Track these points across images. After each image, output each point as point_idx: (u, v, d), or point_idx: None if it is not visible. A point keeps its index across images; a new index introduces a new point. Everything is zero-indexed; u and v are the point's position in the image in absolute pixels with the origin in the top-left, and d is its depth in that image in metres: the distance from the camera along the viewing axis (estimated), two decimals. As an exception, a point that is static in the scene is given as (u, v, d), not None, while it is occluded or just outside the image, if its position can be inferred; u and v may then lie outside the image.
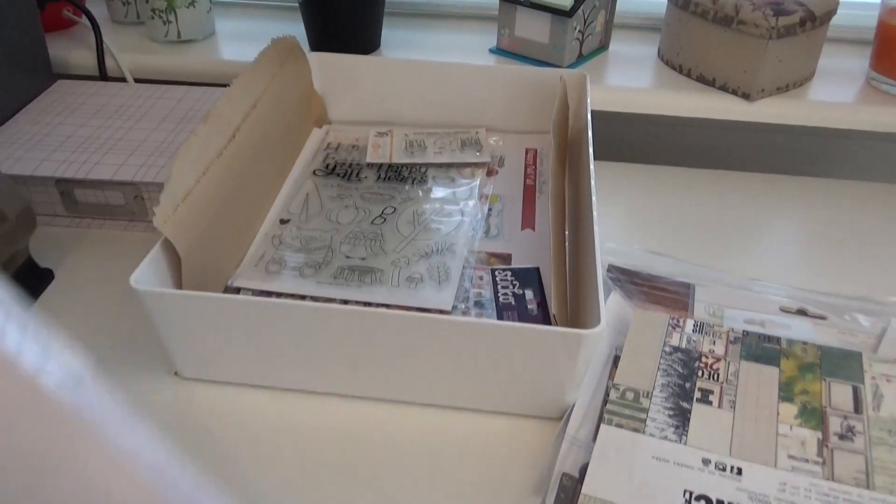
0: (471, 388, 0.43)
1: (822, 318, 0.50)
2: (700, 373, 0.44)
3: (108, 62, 0.75)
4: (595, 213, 0.47)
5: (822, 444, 0.40)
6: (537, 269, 0.53)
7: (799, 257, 0.58)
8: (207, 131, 0.50)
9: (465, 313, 0.49)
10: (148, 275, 0.42)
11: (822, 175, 0.69)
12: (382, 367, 0.43)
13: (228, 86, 0.54)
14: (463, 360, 0.41)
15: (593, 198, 0.48)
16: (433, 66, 0.67)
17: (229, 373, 0.45)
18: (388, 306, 0.50)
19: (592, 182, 0.50)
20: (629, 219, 0.63)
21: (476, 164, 0.65)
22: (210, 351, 0.44)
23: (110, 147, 0.60)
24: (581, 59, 0.75)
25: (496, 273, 0.53)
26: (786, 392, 0.43)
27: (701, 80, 0.71)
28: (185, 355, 0.44)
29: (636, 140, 0.82)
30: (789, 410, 0.42)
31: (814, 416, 0.41)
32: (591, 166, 0.52)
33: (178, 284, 0.45)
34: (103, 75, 0.75)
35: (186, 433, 0.43)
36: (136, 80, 0.75)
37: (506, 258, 0.55)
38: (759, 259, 0.58)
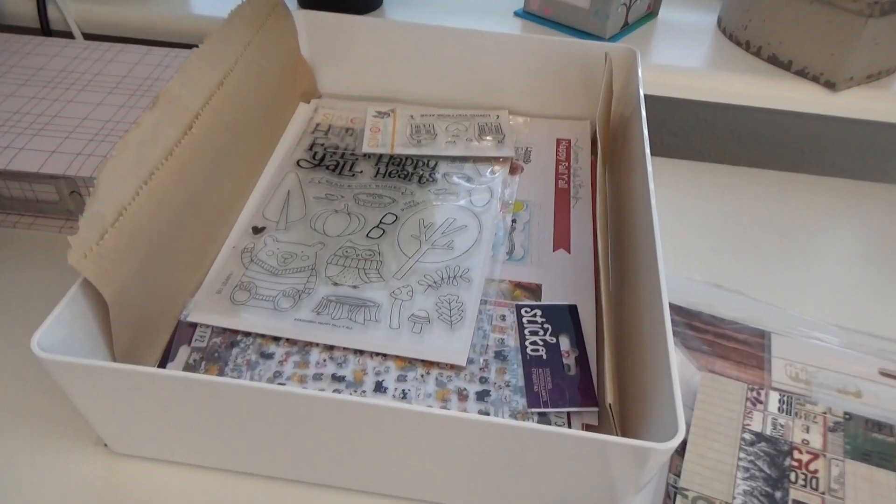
0: (503, 494, 0.32)
1: (934, 386, 0.40)
2: (793, 476, 0.34)
3: (52, 12, 0.62)
4: (660, 247, 0.36)
5: None
6: (574, 308, 0.42)
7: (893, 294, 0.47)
8: (155, 121, 0.37)
9: (483, 370, 0.39)
10: (58, 331, 0.31)
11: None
12: (362, 461, 0.32)
13: (196, 46, 0.41)
14: (491, 464, 0.30)
15: (655, 223, 0.37)
16: (445, 32, 0.55)
17: (166, 451, 0.34)
18: (384, 356, 0.39)
19: (652, 202, 0.38)
20: (679, 234, 0.51)
21: (496, 160, 0.53)
22: (139, 427, 0.33)
23: (43, 125, 0.47)
24: (626, 28, 0.62)
25: (522, 312, 0.42)
26: (909, 511, 0.32)
27: (773, 61, 0.58)
28: (111, 430, 0.34)
29: (681, 128, 0.70)
30: (917, 541, 0.31)
31: (950, 550, 0.31)
32: (649, 169, 0.40)
33: (108, 331, 0.34)
34: (45, 29, 0.62)
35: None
36: (85, 36, 0.62)
37: (535, 290, 0.43)
38: (849, 294, 0.46)
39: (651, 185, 0.39)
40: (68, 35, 0.62)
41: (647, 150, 0.43)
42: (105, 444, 0.36)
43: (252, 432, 0.32)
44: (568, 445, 0.28)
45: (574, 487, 0.31)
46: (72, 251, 0.30)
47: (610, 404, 0.32)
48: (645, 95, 0.61)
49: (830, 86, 0.55)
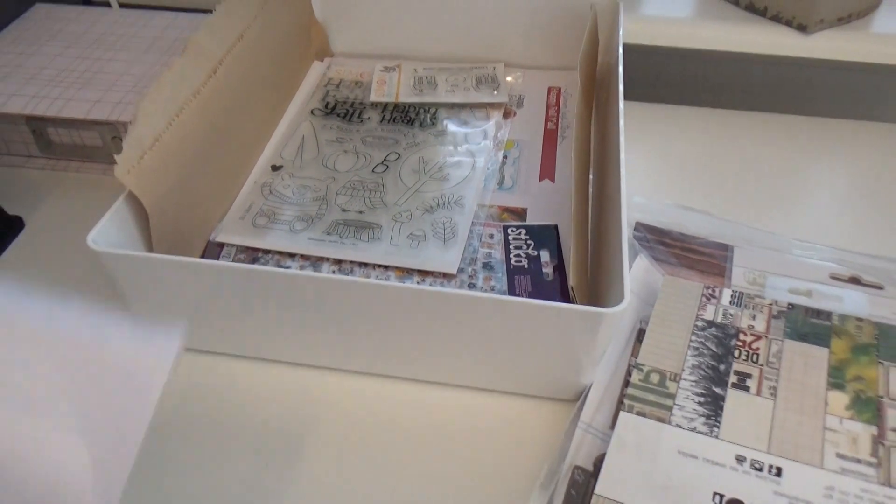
0: (477, 367, 0.38)
1: (879, 287, 0.44)
2: (737, 353, 0.39)
3: (92, -15, 0.69)
4: (623, 165, 0.41)
5: (877, 441, 0.34)
6: (555, 227, 0.47)
7: (854, 214, 0.51)
8: (183, 65, 0.44)
9: (471, 277, 0.44)
10: (109, 232, 0.37)
11: (884, 120, 0.61)
12: (378, 341, 0.38)
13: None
14: (468, 337, 0.36)
15: (621, 145, 0.42)
16: None
17: (206, 341, 0.41)
18: (385, 267, 0.45)
19: (621, 125, 0.44)
20: (661, 168, 0.56)
21: (492, 105, 0.58)
22: (181, 318, 0.39)
23: (87, 80, 0.54)
24: (614, -16, 0.67)
25: (509, 231, 0.47)
26: (836, 378, 0.37)
27: (750, 8, 0.62)
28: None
29: (673, 77, 0.74)
30: (840, 400, 0.36)
31: (868, 407, 0.36)
32: (621, 107, 0.45)
33: (149, 240, 0.40)
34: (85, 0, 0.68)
35: (192, 409, 0.39)
36: (122, 6, 0.69)
37: (520, 213, 0.49)
38: (807, 216, 0.51)
39: (621, 122, 0.44)
40: (106, 4, 0.69)
41: (621, 91, 0.47)
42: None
43: (283, 320, 0.38)
44: (531, 313, 0.34)
45: (541, 358, 0.36)
46: (118, 167, 0.37)
47: (572, 286, 0.37)
48: (635, 46, 0.66)
49: (802, 28, 0.59)
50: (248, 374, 0.40)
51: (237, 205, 0.49)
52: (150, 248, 0.40)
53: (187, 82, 0.43)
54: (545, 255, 0.45)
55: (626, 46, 0.63)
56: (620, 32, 0.54)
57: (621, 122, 0.44)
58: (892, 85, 0.70)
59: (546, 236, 0.47)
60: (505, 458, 0.36)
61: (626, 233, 0.37)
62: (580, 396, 0.38)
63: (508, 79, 0.61)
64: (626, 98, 0.63)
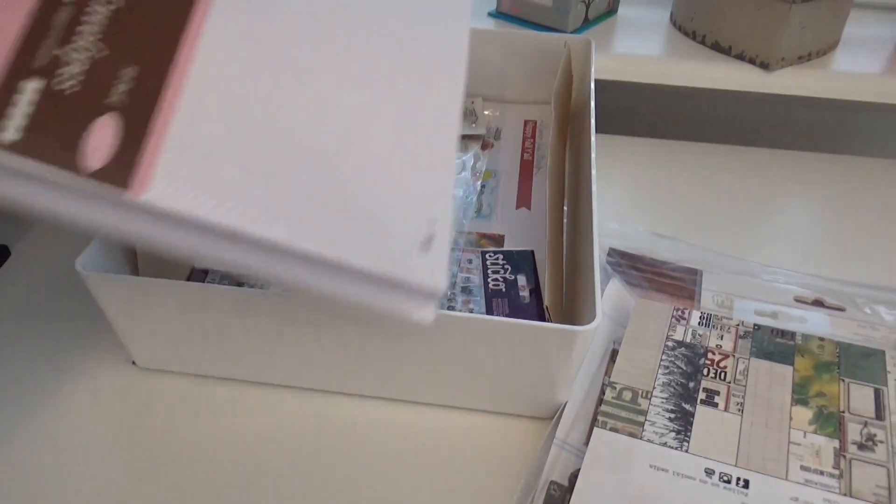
0: (454, 385, 0.39)
1: (841, 309, 0.46)
2: (706, 371, 0.40)
3: None
4: (594, 192, 0.43)
5: (839, 454, 0.36)
6: (531, 253, 0.49)
7: (817, 241, 0.53)
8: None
9: (451, 300, 0.45)
10: (97, 256, 0.38)
11: (846, 152, 0.64)
12: (355, 360, 0.39)
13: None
14: (445, 356, 0.37)
15: (593, 174, 0.44)
16: None
17: (191, 364, 0.42)
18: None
19: (593, 156, 0.46)
20: (634, 197, 0.58)
21: (470, 137, 0.60)
22: (168, 341, 0.40)
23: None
24: (587, 23, 0.70)
25: (486, 256, 0.49)
26: (800, 394, 0.39)
27: (716, 47, 0.65)
28: (140, 344, 0.41)
29: (646, 112, 0.77)
30: (804, 415, 0.38)
31: (830, 421, 0.37)
32: (593, 139, 0.48)
33: (136, 265, 0.41)
34: None
35: (143, 428, 0.39)
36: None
37: (498, 240, 0.50)
38: (773, 243, 0.53)
39: (593, 154, 0.46)
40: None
41: (593, 123, 0.50)
42: (133, 362, 0.43)
43: (269, 341, 0.39)
44: (507, 331, 0.35)
45: (517, 376, 0.37)
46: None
47: (547, 306, 0.39)
48: (609, 82, 0.68)
49: (765, 66, 0.62)
50: (225, 396, 0.41)
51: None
52: (137, 274, 0.42)
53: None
54: (522, 279, 0.47)
55: (598, 82, 0.66)
56: (593, 69, 0.56)
57: (593, 154, 0.46)
58: (852, 119, 0.74)
59: (523, 261, 0.48)
60: (481, 475, 0.37)
61: (599, 257, 0.38)
62: (556, 414, 0.39)
63: (486, 112, 0.64)
64: (600, 131, 0.65)
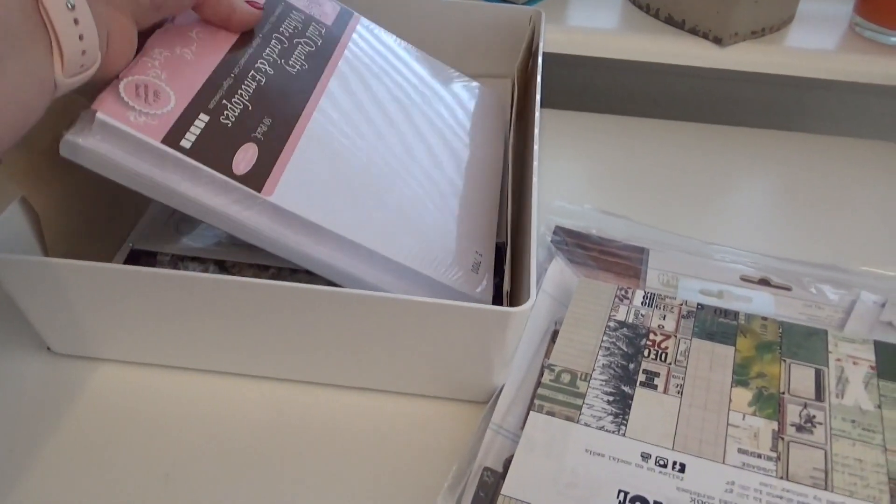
0: (390, 370, 0.38)
1: (787, 288, 0.45)
2: (646, 352, 0.39)
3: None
4: (536, 168, 0.41)
5: (778, 436, 0.35)
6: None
7: (766, 219, 0.53)
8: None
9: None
10: (2, 235, 0.35)
11: (800, 130, 0.63)
12: (285, 345, 0.37)
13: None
14: (376, 339, 0.36)
15: (535, 149, 0.42)
16: (388, 3, 0.60)
17: (106, 349, 0.39)
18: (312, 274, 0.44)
19: (536, 131, 0.44)
20: (584, 174, 0.57)
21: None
22: (80, 325, 0.37)
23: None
24: (540, -5, 0.68)
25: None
26: (740, 375, 0.38)
27: (670, 21, 0.64)
28: (54, 329, 0.38)
29: (599, 88, 0.75)
30: (743, 397, 0.37)
31: (770, 403, 0.36)
32: (537, 114, 0.46)
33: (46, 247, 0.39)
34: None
35: (59, 416, 0.37)
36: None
37: (441, 217, 0.49)
38: (722, 221, 0.52)
39: (537, 129, 0.44)
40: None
41: (539, 99, 0.48)
42: (48, 348, 0.40)
43: (187, 324, 0.36)
44: (438, 313, 0.33)
45: (451, 359, 0.36)
46: (3, 168, 0.35)
47: (507, 292, 0.37)
48: (561, 56, 0.67)
49: (718, 41, 0.61)
50: (144, 382, 0.39)
51: (159, 209, 0.47)
52: (47, 254, 0.39)
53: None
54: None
55: (550, 56, 0.64)
56: (542, 42, 0.54)
57: (536, 129, 0.44)
58: (805, 96, 0.73)
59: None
60: (414, 459, 0.36)
61: (536, 233, 0.37)
62: (492, 398, 0.38)
63: (435, 86, 0.62)
64: (552, 106, 0.64)
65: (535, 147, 0.43)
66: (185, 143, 0.33)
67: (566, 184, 0.55)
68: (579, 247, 0.48)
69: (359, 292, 0.33)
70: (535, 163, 0.42)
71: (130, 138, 0.32)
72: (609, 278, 0.46)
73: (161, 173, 0.33)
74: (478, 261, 0.39)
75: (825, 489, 0.32)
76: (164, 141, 0.32)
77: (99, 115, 0.31)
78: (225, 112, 0.35)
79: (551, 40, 0.65)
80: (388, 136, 0.42)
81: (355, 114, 0.41)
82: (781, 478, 0.33)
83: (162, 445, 0.36)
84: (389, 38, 0.50)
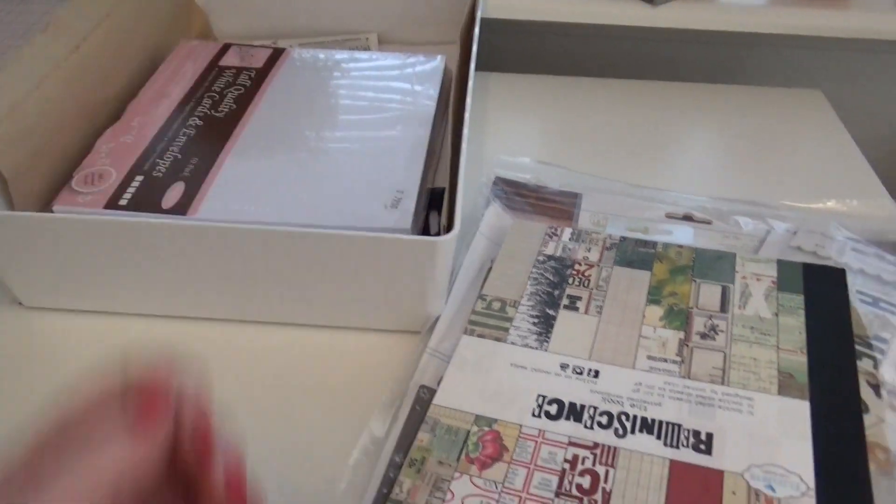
0: (328, 305, 0.41)
1: (708, 222, 0.49)
2: (571, 280, 0.43)
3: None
4: (467, 122, 0.45)
5: (683, 343, 0.39)
6: (443, 190, 0.51)
7: (697, 166, 0.56)
8: (45, 40, 0.45)
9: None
10: (-33, 194, 0.39)
11: (731, 83, 0.66)
12: (221, 285, 0.41)
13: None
14: (313, 275, 0.39)
15: (468, 102, 0.46)
16: None
17: (72, 300, 0.42)
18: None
19: (471, 84, 0.48)
20: (528, 131, 0.60)
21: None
22: (48, 278, 0.41)
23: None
24: (483, -35, 0.71)
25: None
26: (654, 295, 0.42)
27: (605, -16, 0.67)
28: (23, 283, 0.42)
29: (543, 51, 0.79)
30: (655, 313, 0.40)
31: (679, 317, 0.40)
32: (472, 74, 0.49)
33: (12, 207, 0.42)
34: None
35: (33, 368, 0.40)
36: (0, -3, 0.70)
37: (387, 173, 0.52)
38: (655, 168, 0.56)
39: (471, 83, 0.48)
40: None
41: (473, 58, 0.51)
42: (20, 303, 0.43)
43: (153, 271, 0.40)
44: (367, 246, 0.37)
45: (386, 291, 0.39)
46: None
47: (443, 225, 0.41)
48: (501, 21, 0.70)
49: (650, 0, 0.64)
50: (115, 329, 0.42)
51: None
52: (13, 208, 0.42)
53: (49, 56, 0.45)
54: (434, 217, 0.49)
55: (496, 21, 0.67)
56: (480, 8, 0.58)
57: (471, 83, 0.48)
58: (736, 51, 0.77)
59: (435, 197, 0.50)
60: (356, 386, 0.39)
61: (463, 175, 0.40)
62: (428, 328, 0.41)
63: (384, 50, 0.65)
64: (500, 70, 0.67)
65: (468, 100, 0.47)
66: (123, 202, 0.42)
67: (512, 140, 0.59)
68: (517, 195, 0.52)
69: (286, 229, 0.37)
70: (467, 115, 0.45)
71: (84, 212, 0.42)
72: (544, 221, 0.49)
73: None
74: (398, 198, 0.42)
75: (722, 384, 0.36)
76: (106, 206, 0.42)
77: (55, 207, 0.42)
78: (157, 168, 0.44)
79: (495, 6, 0.68)
80: (311, 131, 0.48)
81: (279, 125, 0.49)
82: (684, 377, 0.37)
83: None
84: (324, 55, 0.57)
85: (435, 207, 0.49)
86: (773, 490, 0.32)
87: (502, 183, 0.53)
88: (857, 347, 0.39)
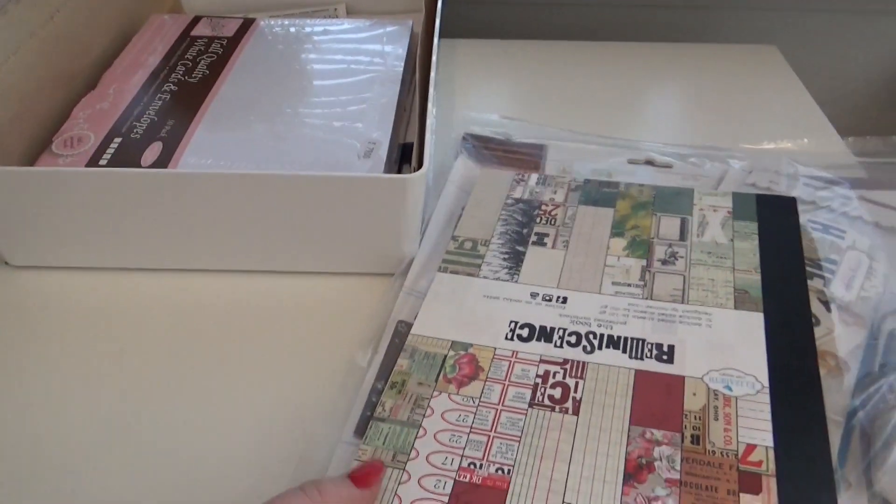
0: (305, 250, 0.43)
1: (668, 166, 0.51)
2: (538, 219, 0.45)
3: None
4: (433, 81, 0.47)
5: (646, 269, 0.41)
6: (410, 146, 0.53)
7: (659, 117, 0.59)
8: (20, 11, 0.46)
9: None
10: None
11: (684, 41, 0.69)
12: (209, 234, 0.42)
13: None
14: (290, 220, 0.41)
15: (434, 59, 0.48)
16: None
17: (57, 257, 0.44)
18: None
19: (436, 41, 0.49)
20: (493, 93, 0.62)
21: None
22: (34, 235, 0.42)
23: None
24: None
25: (347, 146, 0.52)
26: (618, 228, 0.44)
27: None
28: (8, 241, 0.43)
29: (507, 18, 0.81)
30: (619, 244, 0.43)
31: (641, 246, 0.42)
32: (437, 31, 0.51)
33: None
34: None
35: (23, 327, 0.42)
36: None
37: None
38: (618, 120, 0.58)
39: (436, 39, 0.50)
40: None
41: (439, 11, 0.53)
42: (6, 262, 0.45)
43: (136, 225, 0.41)
44: (339, 186, 0.39)
45: (360, 232, 0.41)
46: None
47: (414, 167, 0.43)
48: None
49: (607, -37, 0.67)
50: (104, 284, 0.44)
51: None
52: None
53: (24, 26, 0.46)
54: (407, 169, 0.50)
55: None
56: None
57: (436, 40, 0.50)
58: (694, 12, 0.79)
59: (406, 152, 0.52)
60: (335, 327, 0.41)
61: (431, 125, 0.42)
62: (403, 269, 0.43)
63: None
64: (462, 37, 0.69)
65: (434, 58, 0.49)
66: (103, 162, 0.43)
67: (480, 101, 0.61)
68: (485, 148, 0.54)
69: (255, 173, 0.39)
70: (433, 73, 0.47)
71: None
72: (511, 170, 0.51)
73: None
74: (370, 148, 0.44)
75: (682, 302, 0.39)
76: (87, 165, 0.43)
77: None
78: (135, 130, 0.46)
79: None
80: (284, 92, 0.50)
81: (253, 87, 0.51)
82: (646, 298, 0.39)
83: (114, 333, 0.41)
84: (294, 23, 0.59)
85: (407, 161, 0.51)
86: (730, 389, 0.34)
87: (471, 138, 0.55)
88: (809, 269, 0.41)
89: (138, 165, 0.43)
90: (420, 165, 0.41)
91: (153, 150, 0.44)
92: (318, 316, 0.42)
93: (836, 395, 0.36)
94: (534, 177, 0.48)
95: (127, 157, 0.44)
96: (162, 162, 0.43)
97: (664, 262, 0.41)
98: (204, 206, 0.40)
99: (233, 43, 0.56)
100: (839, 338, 0.38)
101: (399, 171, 0.49)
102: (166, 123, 0.46)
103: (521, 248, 0.43)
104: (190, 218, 0.41)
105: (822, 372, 0.37)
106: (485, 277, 0.41)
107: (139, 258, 0.44)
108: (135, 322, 0.42)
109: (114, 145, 0.45)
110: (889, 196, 0.48)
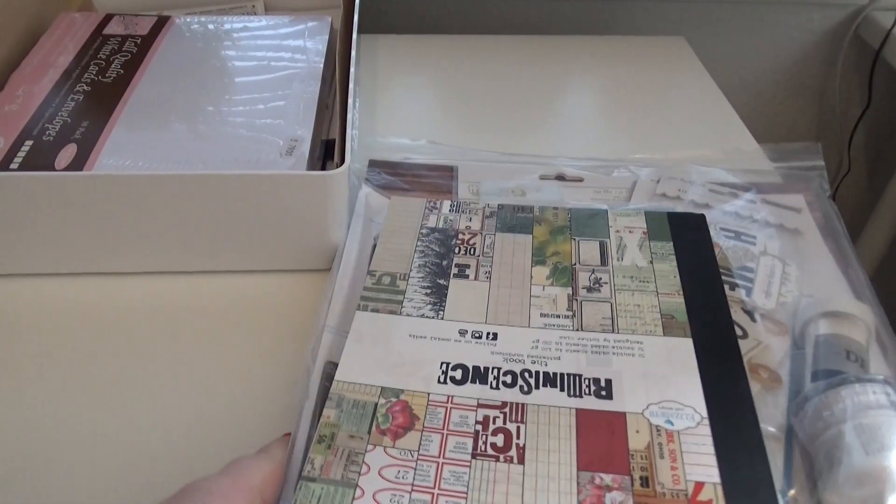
0: (232, 249, 0.41)
1: (579, 180, 0.51)
2: (457, 249, 0.43)
3: None
4: (353, 76, 0.46)
5: (572, 298, 0.40)
6: (333, 142, 0.49)
7: (572, 117, 0.58)
8: None
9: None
10: None
11: (607, 33, 0.70)
12: (132, 237, 0.40)
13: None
14: (214, 220, 0.40)
15: (353, 55, 0.47)
16: None
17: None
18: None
19: (355, 36, 0.48)
20: (410, 90, 0.60)
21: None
22: None
23: None
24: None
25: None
26: (538, 256, 0.43)
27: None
28: None
29: (423, 12, 0.79)
30: (542, 272, 0.41)
31: (564, 274, 0.41)
32: (356, 28, 0.49)
33: None
34: None
35: None
36: None
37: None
38: (532, 125, 0.58)
39: (355, 35, 0.49)
40: None
41: (356, 20, 0.51)
42: None
43: (55, 230, 0.39)
44: (259, 184, 0.37)
45: (285, 229, 0.40)
46: None
47: (336, 163, 0.41)
48: None
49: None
50: (20, 291, 0.41)
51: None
52: None
53: None
54: (330, 166, 0.48)
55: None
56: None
57: (355, 35, 0.49)
58: (604, 4, 0.81)
59: (329, 149, 0.49)
60: (267, 327, 0.40)
61: (352, 120, 0.41)
62: (333, 263, 0.42)
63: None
64: (383, 31, 0.66)
65: (353, 53, 0.47)
66: (14, 166, 0.40)
67: (382, 116, 0.58)
68: (394, 174, 0.51)
69: (187, 173, 0.37)
70: (353, 69, 0.47)
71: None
72: (423, 196, 0.49)
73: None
74: (292, 146, 0.43)
75: (613, 332, 0.38)
76: None
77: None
78: (47, 132, 0.43)
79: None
80: (202, 91, 0.48)
81: (170, 86, 0.48)
82: (577, 329, 0.38)
83: (35, 340, 0.38)
84: (212, 20, 0.57)
85: (330, 158, 0.48)
86: (671, 424, 0.33)
87: (377, 165, 0.52)
88: (727, 279, 0.42)
89: (52, 169, 0.40)
90: (343, 161, 0.40)
91: (67, 153, 0.41)
92: (249, 315, 0.41)
93: (774, 410, 0.36)
94: (447, 204, 0.46)
95: (39, 160, 0.41)
96: (77, 164, 0.40)
97: (589, 290, 0.40)
98: (124, 209, 0.38)
99: (147, 41, 0.53)
100: (769, 348, 0.39)
101: (323, 168, 0.47)
102: (80, 125, 0.43)
103: (442, 282, 0.41)
104: (111, 221, 0.39)
105: (757, 387, 0.37)
106: (408, 315, 0.38)
107: (59, 263, 0.41)
108: (57, 328, 0.39)
109: (25, 148, 0.41)
110: (788, 198, 0.50)
